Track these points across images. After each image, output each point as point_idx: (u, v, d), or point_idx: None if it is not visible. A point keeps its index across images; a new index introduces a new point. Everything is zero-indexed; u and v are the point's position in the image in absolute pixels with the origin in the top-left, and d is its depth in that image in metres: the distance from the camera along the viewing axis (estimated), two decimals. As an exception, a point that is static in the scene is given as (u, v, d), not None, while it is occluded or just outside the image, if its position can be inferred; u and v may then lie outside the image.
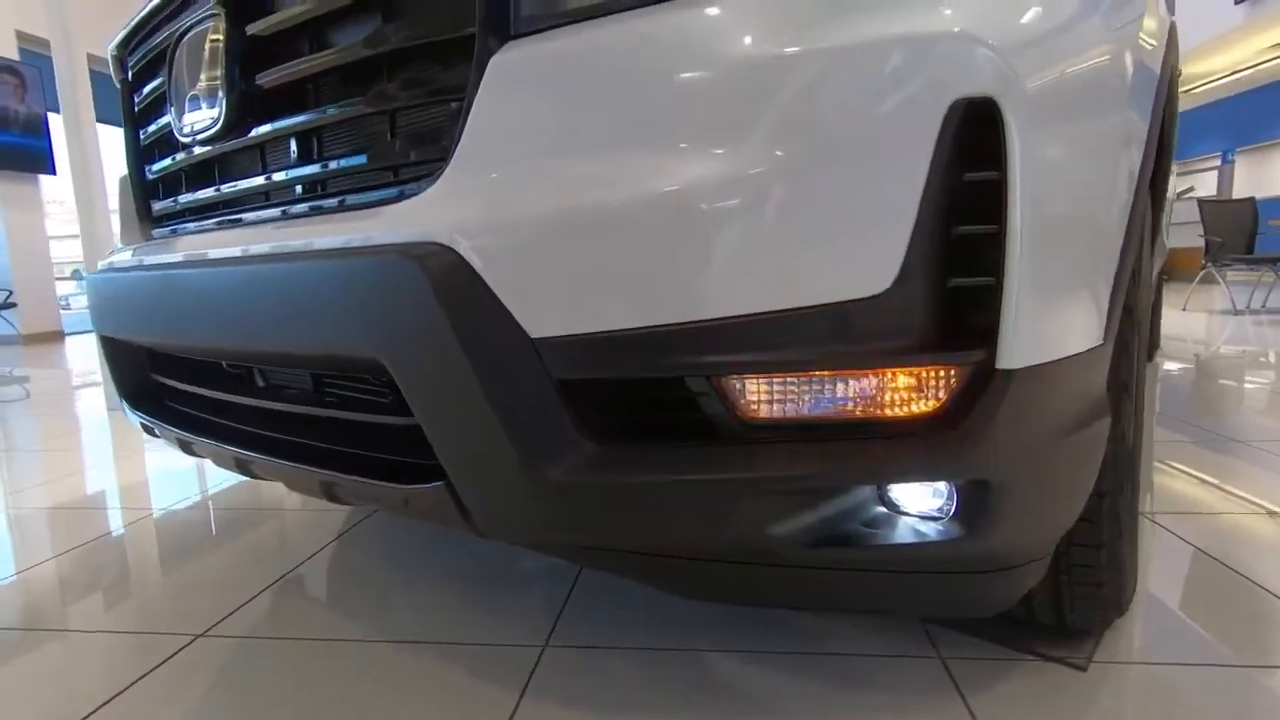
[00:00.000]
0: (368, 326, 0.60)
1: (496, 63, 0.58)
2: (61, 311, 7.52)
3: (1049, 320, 0.57)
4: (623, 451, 0.58)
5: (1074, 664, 0.92)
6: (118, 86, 1.09)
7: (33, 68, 6.91)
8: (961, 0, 0.53)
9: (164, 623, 1.08)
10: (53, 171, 7.01)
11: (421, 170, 0.62)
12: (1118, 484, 0.77)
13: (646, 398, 0.58)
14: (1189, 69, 9.41)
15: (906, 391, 0.56)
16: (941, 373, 0.55)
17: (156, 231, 1.02)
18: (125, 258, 1.00)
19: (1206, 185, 11.45)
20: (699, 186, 0.53)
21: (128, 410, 1.07)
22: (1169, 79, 0.90)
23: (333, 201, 0.70)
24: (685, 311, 0.54)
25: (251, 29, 0.75)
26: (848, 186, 0.53)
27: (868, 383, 0.56)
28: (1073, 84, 0.56)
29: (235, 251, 0.75)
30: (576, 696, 0.86)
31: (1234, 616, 1.01)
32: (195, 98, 0.83)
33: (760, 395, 0.57)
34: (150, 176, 1.02)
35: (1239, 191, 11.02)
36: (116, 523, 1.56)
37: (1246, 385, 2.76)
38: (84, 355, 5.66)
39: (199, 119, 0.82)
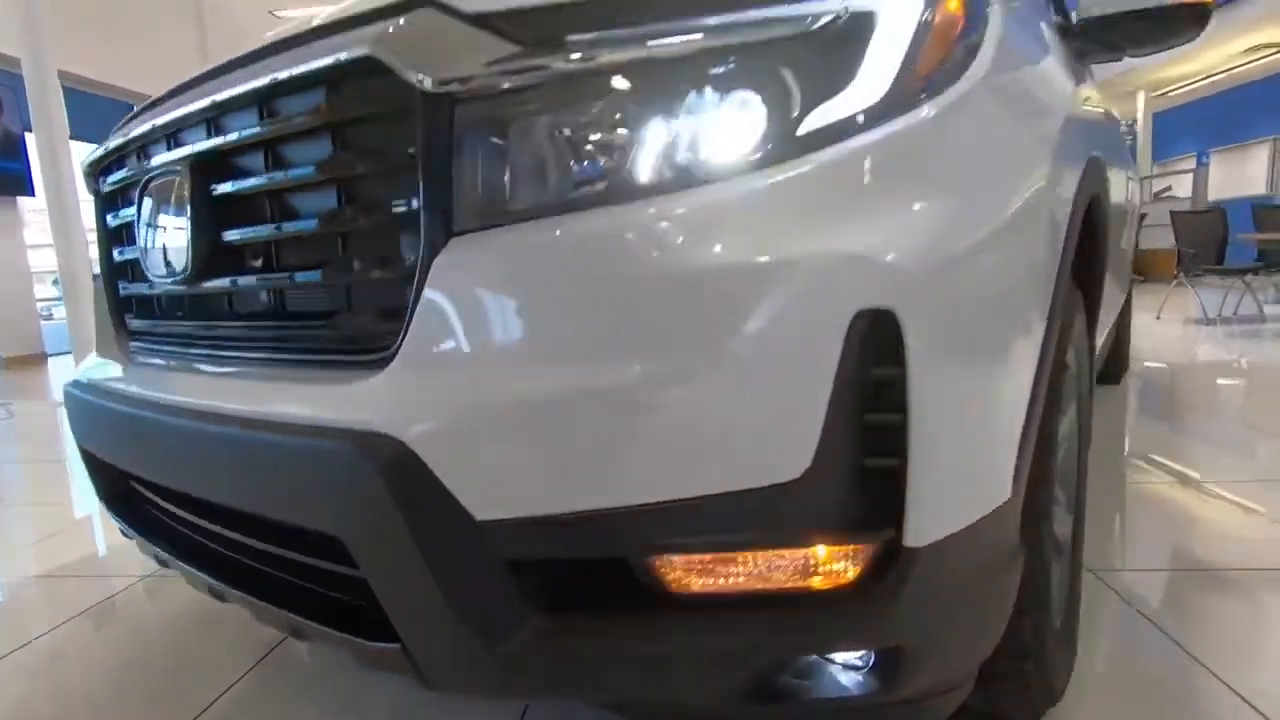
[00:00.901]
0: (321, 506, 0.64)
1: (440, 260, 0.62)
2: (42, 321, 7.45)
3: (953, 496, 0.62)
4: (567, 623, 0.62)
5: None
6: (90, 196, 1.13)
7: (6, 87, 6.83)
8: (865, 219, 0.58)
9: (148, 717, 1.12)
10: (30, 193, 6.95)
11: (373, 353, 0.66)
12: (1040, 601, 0.82)
13: (588, 573, 0.63)
14: (1165, 73, 9.55)
15: (821, 569, 0.60)
16: (853, 551, 0.60)
17: (133, 344, 1.05)
18: (98, 375, 1.04)
19: (1184, 185, 11.60)
20: (630, 383, 0.58)
21: (109, 513, 1.11)
22: (1089, 189, 0.95)
23: (291, 369, 0.74)
24: (619, 498, 0.59)
25: (216, 189, 0.79)
26: (765, 384, 0.58)
27: (786, 561, 0.60)
28: (971, 284, 0.61)
29: (198, 402, 0.78)
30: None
31: (1167, 696, 1.07)
32: (161, 244, 0.86)
33: (691, 571, 0.61)
34: (121, 293, 1.06)
35: (1214, 190, 11.18)
36: (98, 594, 1.58)
37: (1208, 413, 2.83)
38: (67, 377, 5.64)
39: (164, 264, 0.86)
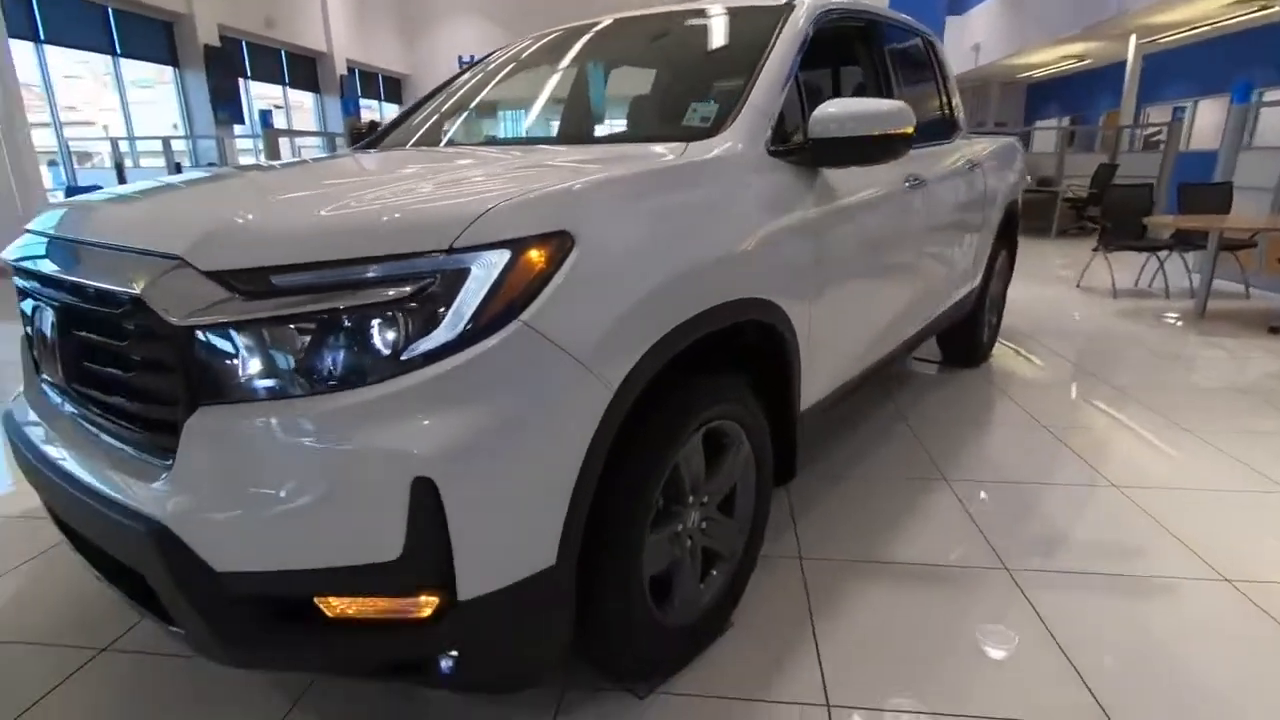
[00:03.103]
0: (133, 557, 1.08)
1: (191, 420, 1.03)
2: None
3: (491, 569, 1.06)
4: (281, 629, 1.08)
5: (635, 693, 1.47)
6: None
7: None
8: (427, 419, 0.99)
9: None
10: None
11: (159, 464, 1.09)
12: (627, 609, 1.29)
13: (293, 603, 1.08)
14: (1155, 19, 9.43)
15: (413, 605, 1.05)
16: (433, 599, 1.05)
17: (43, 385, 1.46)
18: (21, 409, 1.45)
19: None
20: (291, 504, 1.01)
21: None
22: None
23: (115, 456, 1.16)
24: (294, 562, 1.03)
25: (72, 330, 1.19)
26: (371, 511, 1.00)
27: (391, 604, 1.06)
28: (493, 457, 1.03)
29: (63, 459, 1.21)
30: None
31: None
32: (43, 346, 1.27)
33: (343, 605, 1.06)
34: (34, 357, 1.46)
35: (1205, 139, 11.19)
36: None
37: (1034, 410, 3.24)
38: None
39: (45, 362, 1.27)
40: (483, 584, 1.06)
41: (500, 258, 1.06)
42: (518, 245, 1.07)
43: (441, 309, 1.03)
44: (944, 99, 2.97)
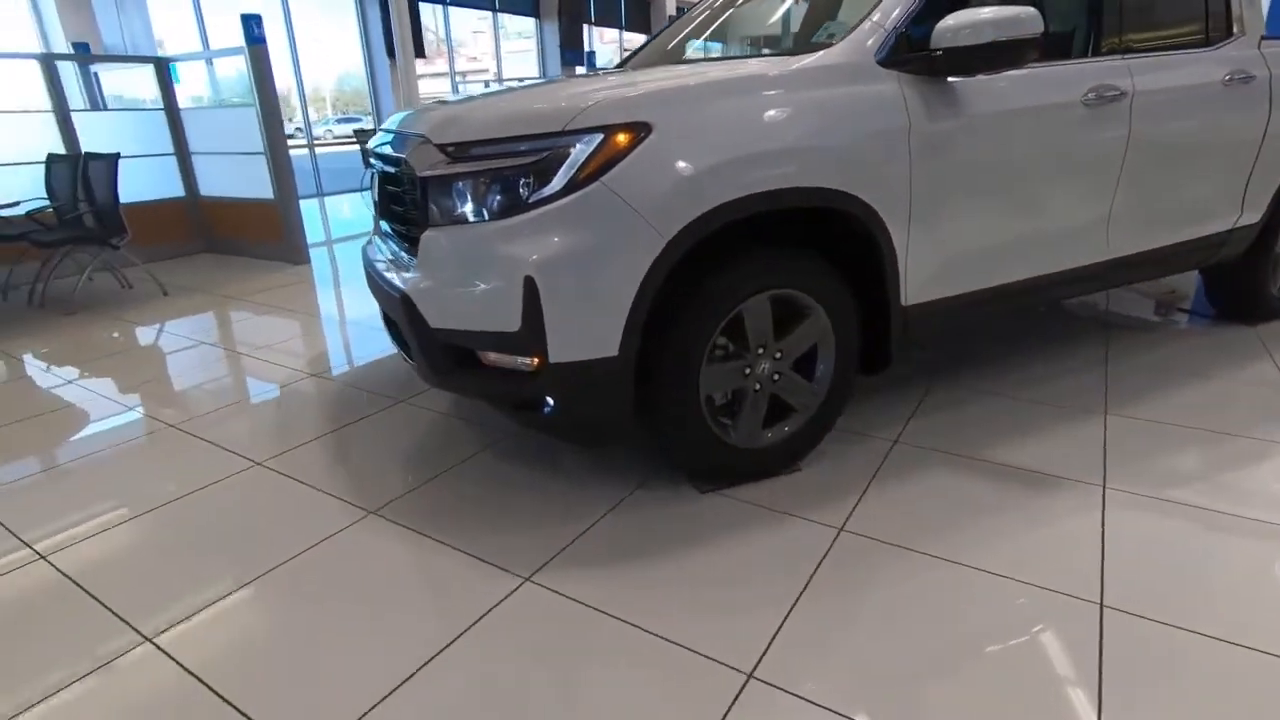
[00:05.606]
0: (398, 317, 1.87)
1: (423, 236, 1.76)
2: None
3: (572, 347, 1.62)
4: (460, 368, 1.79)
5: (698, 488, 1.96)
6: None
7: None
8: (540, 238, 1.57)
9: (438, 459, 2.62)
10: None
11: (411, 262, 1.85)
12: (681, 403, 1.77)
13: (466, 352, 1.78)
14: None
15: (526, 363, 1.67)
16: (536, 359, 1.66)
17: (383, 227, 2.39)
18: (371, 246, 2.40)
19: None
20: (469, 287, 1.69)
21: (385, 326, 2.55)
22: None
23: (400, 260, 1.96)
24: (465, 326, 1.72)
25: (386, 185, 2.02)
26: (506, 295, 1.63)
27: (518, 358, 1.69)
28: (575, 269, 1.56)
29: (384, 270, 2.06)
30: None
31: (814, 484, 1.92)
32: (373, 194, 2.14)
33: (491, 357, 1.73)
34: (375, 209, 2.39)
35: None
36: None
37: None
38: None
39: (373, 205, 2.14)
40: (567, 354, 1.64)
41: (595, 138, 1.57)
42: (609, 130, 1.58)
43: (555, 170, 1.58)
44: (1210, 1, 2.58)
